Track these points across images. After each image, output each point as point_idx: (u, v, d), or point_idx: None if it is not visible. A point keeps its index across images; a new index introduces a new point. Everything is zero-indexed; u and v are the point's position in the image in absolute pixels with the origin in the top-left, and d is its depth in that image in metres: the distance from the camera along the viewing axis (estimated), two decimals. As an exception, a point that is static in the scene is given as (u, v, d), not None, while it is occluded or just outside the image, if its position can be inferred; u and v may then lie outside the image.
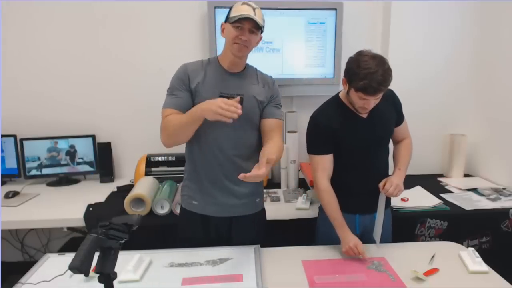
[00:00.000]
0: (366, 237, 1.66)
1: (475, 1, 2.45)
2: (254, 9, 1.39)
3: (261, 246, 1.56)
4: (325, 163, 1.57)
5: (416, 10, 2.44)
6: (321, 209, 1.69)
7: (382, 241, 1.61)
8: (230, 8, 1.43)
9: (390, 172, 1.68)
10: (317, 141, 1.58)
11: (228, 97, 1.37)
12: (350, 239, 1.50)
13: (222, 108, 1.24)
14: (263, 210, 1.69)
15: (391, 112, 1.62)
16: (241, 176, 1.24)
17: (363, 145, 1.57)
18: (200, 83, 1.45)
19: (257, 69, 1.59)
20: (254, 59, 2.39)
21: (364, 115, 1.56)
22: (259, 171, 1.27)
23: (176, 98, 1.45)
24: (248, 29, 1.39)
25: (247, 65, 1.55)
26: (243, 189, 1.54)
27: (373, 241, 1.62)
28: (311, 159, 1.60)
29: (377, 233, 1.59)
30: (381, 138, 1.61)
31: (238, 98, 1.33)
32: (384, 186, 1.55)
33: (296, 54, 2.46)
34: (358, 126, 1.56)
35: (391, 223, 1.75)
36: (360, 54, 1.43)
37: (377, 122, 1.57)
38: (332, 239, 1.58)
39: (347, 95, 1.52)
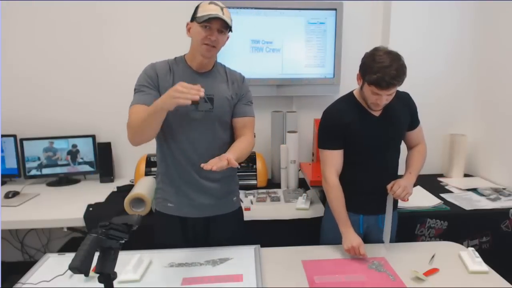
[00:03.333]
0: (369, 238, 1.67)
1: (475, 1, 2.45)
2: (222, 8, 1.38)
3: (262, 246, 1.56)
4: (334, 159, 1.58)
5: (416, 10, 2.44)
6: (327, 206, 1.69)
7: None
8: (196, 8, 1.41)
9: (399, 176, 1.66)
10: (327, 135, 1.59)
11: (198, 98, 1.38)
12: (354, 238, 1.50)
13: (178, 91, 1.16)
14: (240, 209, 1.68)
15: (404, 113, 1.61)
16: (202, 165, 1.20)
17: (372, 143, 1.57)
18: (169, 84, 1.40)
19: (225, 66, 1.57)
20: (254, 59, 2.43)
21: (377, 113, 1.56)
22: (219, 163, 1.22)
23: (145, 94, 1.39)
24: (217, 29, 1.37)
25: (215, 63, 1.53)
26: (219, 186, 1.54)
27: (376, 242, 1.63)
28: (321, 153, 1.61)
29: (386, 234, 1.59)
30: (392, 138, 1.60)
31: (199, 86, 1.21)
32: (392, 187, 1.54)
33: (296, 54, 2.46)
34: (369, 123, 1.56)
35: (397, 226, 1.74)
36: (376, 49, 1.45)
37: (389, 121, 1.57)
38: (337, 237, 1.58)
39: (360, 90, 1.53)
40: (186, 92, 1.16)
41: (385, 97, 1.45)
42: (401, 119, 1.61)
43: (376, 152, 1.58)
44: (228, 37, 1.47)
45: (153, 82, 1.42)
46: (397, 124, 1.60)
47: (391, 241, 1.65)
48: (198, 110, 1.44)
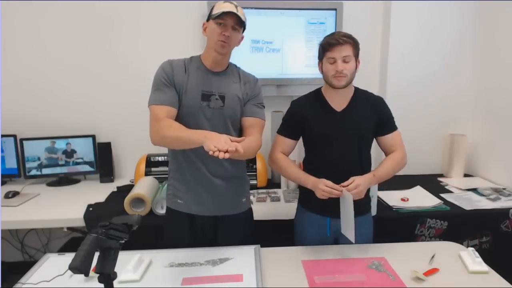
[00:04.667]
0: (338, 241, 1.65)
1: (475, 1, 2.45)
2: (236, 6, 1.42)
3: (262, 246, 1.56)
4: (284, 145, 1.65)
5: (416, 10, 2.44)
6: (298, 209, 1.73)
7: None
8: (212, 8, 1.45)
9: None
10: (285, 123, 1.66)
11: (210, 95, 1.44)
12: (318, 182, 1.49)
13: (215, 141, 1.20)
14: (250, 210, 1.68)
15: (369, 115, 1.58)
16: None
17: (331, 139, 1.56)
18: (184, 82, 1.45)
19: (239, 68, 1.59)
20: (254, 59, 2.43)
21: (338, 109, 1.56)
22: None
23: (166, 94, 1.43)
24: (231, 25, 1.41)
25: (230, 64, 1.55)
26: (229, 185, 1.54)
27: (347, 243, 1.57)
28: (275, 137, 1.68)
29: (348, 229, 1.51)
30: (351, 136, 1.56)
31: (243, 138, 1.34)
32: (349, 185, 1.47)
33: (296, 54, 2.46)
34: (327, 118, 1.57)
35: (372, 228, 1.70)
36: None
37: (348, 119, 1.56)
38: (306, 239, 1.63)
39: (322, 74, 1.56)
40: (220, 144, 1.18)
41: (341, 63, 1.46)
42: (365, 119, 1.57)
43: (336, 150, 1.56)
44: (242, 37, 1.50)
45: (169, 79, 1.44)
46: (358, 123, 1.56)
47: (368, 242, 1.62)
48: (210, 108, 1.46)
